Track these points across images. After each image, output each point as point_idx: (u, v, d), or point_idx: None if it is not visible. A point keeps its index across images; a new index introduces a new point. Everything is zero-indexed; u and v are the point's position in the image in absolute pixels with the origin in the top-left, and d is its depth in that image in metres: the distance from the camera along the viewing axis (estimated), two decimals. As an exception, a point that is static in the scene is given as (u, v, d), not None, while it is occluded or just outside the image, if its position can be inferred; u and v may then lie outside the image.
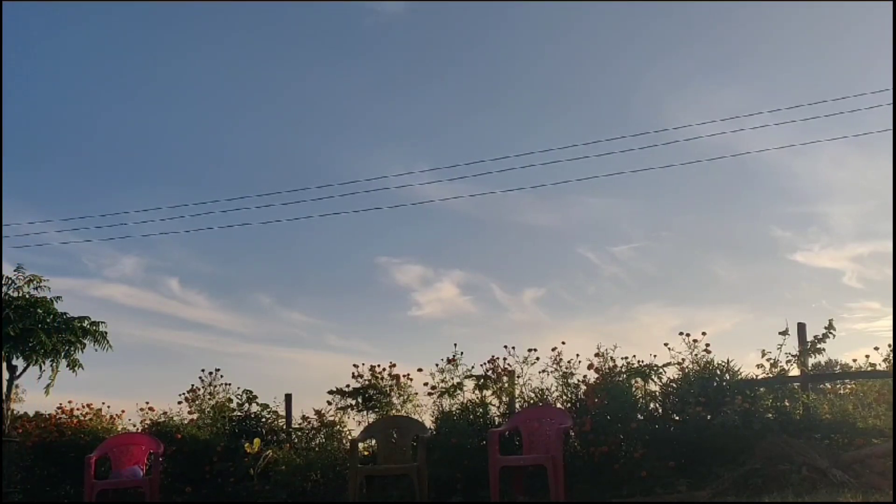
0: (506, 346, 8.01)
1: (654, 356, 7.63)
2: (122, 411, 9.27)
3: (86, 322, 16.39)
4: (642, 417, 7.41)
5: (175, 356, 22.13)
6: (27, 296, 16.18)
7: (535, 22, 17.42)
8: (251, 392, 8.91)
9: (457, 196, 14.36)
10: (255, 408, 8.83)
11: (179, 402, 8.82)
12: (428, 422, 7.93)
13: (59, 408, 9.24)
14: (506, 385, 8.00)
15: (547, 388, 7.86)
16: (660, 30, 18.18)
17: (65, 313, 16.35)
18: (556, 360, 7.82)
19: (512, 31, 18.67)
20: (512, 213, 22.47)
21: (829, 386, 7.91)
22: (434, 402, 8.12)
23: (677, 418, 7.39)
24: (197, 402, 8.83)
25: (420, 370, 8.26)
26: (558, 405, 7.69)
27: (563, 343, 7.86)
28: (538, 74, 20.14)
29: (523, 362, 7.94)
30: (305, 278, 24.04)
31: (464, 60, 20.32)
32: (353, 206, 14.20)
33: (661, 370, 7.59)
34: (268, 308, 23.55)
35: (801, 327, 7.57)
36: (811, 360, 7.59)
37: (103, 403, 9.32)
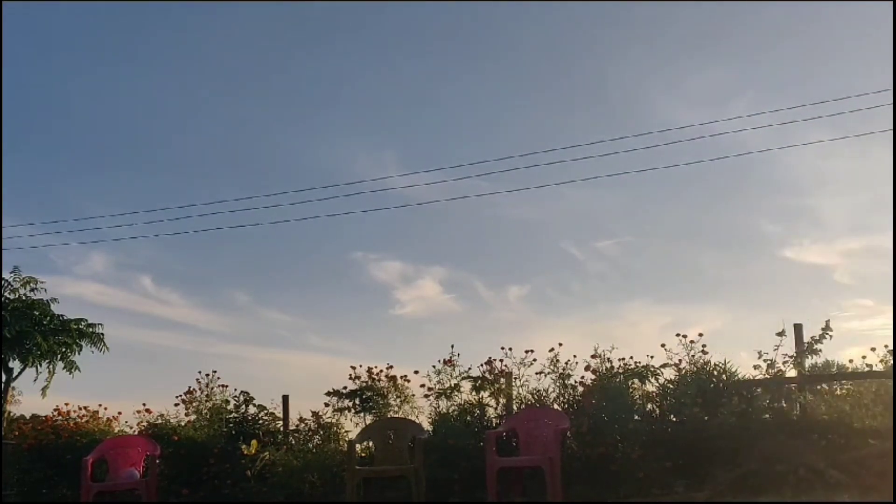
0: (503, 348, 8.03)
1: (651, 357, 7.66)
2: (119, 413, 9.26)
3: (82, 324, 16.38)
4: (639, 418, 7.41)
5: (157, 357, 21.94)
6: (24, 297, 16.16)
7: (519, 14, 17.35)
8: (248, 394, 8.91)
9: (435, 195, 14.20)
10: (252, 409, 8.83)
11: (176, 404, 8.81)
12: (425, 423, 7.93)
13: (55, 410, 9.23)
14: (503, 386, 8.00)
15: (544, 390, 7.88)
16: (657, 25, 18.13)
17: (61, 315, 16.33)
18: (553, 361, 7.83)
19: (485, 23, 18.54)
20: (489, 207, 22.27)
21: (825, 387, 7.91)
22: (431, 403, 8.13)
23: (674, 419, 7.40)
24: (194, 404, 8.81)
25: (416, 372, 8.28)
26: (555, 406, 7.69)
27: (561, 344, 7.89)
28: (523, 65, 20.01)
29: (520, 363, 7.95)
30: (279, 274, 23.71)
31: (447, 54, 20.18)
32: (360, 206, 14.06)
33: (657, 371, 7.60)
34: (245, 306, 23.31)
35: (798, 328, 7.58)
36: (808, 361, 7.59)
37: (100, 405, 9.31)
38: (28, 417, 12.17)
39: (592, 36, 19.52)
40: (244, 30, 18.81)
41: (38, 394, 15.96)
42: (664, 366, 7.61)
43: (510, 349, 7.99)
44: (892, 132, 10.14)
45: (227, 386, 8.92)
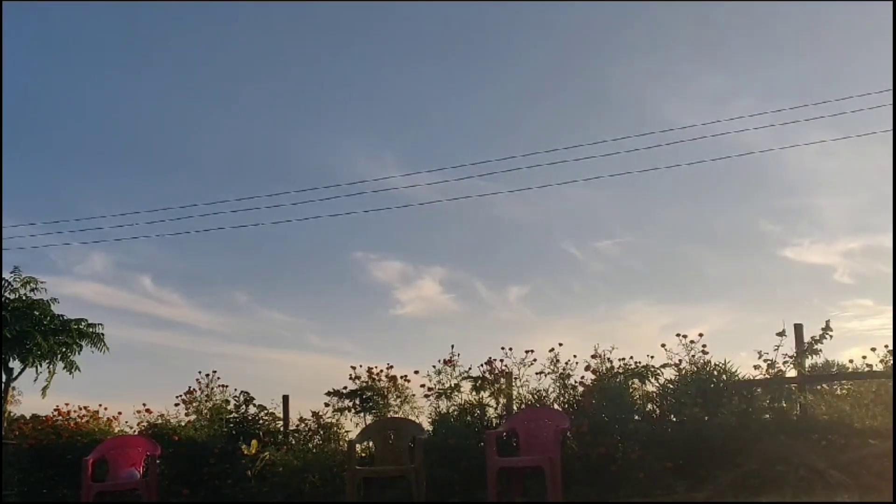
0: (503, 348, 8.04)
1: (651, 357, 7.66)
2: (119, 413, 9.26)
3: (82, 324, 16.38)
4: (640, 418, 7.41)
5: (157, 357, 21.94)
6: (24, 297, 16.15)
7: (519, 15, 17.38)
8: (248, 393, 8.92)
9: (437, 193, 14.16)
10: (252, 409, 8.83)
11: (176, 404, 8.82)
12: (425, 423, 7.93)
13: (55, 410, 9.23)
14: (503, 386, 8.00)
15: (544, 390, 7.88)
16: (660, 28, 18.15)
17: (61, 315, 16.33)
18: (553, 361, 7.83)
19: (493, 25, 18.55)
20: (490, 207, 22.33)
21: (825, 387, 7.91)
22: (431, 403, 8.14)
23: (675, 419, 7.39)
24: (194, 404, 8.82)
25: (416, 372, 8.28)
26: (556, 406, 7.69)
27: (561, 344, 7.90)
28: (523, 66, 20.04)
29: (520, 363, 7.95)
30: (280, 274, 23.73)
31: (447, 54, 20.17)
32: (362, 205, 14.06)
33: (658, 371, 7.60)
34: (245, 306, 23.32)
35: (798, 328, 7.57)
36: (808, 361, 7.59)
37: (100, 405, 9.31)
38: (28, 417, 12.16)
39: (595, 38, 19.55)
40: (246, 31, 18.84)
41: (38, 394, 15.97)
42: (664, 366, 7.62)
43: (510, 349, 8.01)
44: (892, 132, 10.15)
45: (227, 386, 8.94)
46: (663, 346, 7.62)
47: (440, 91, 20.73)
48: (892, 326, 7.85)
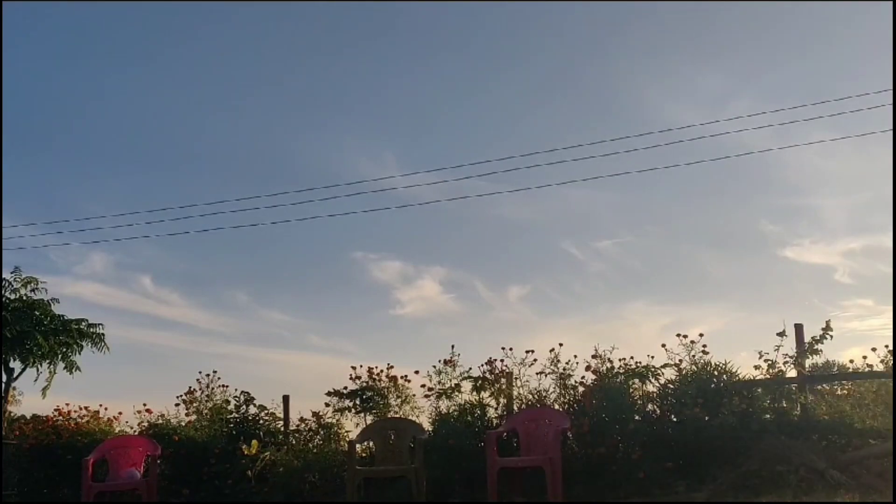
0: (503, 348, 8.04)
1: (652, 357, 7.66)
2: (120, 413, 9.28)
3: (83, 324, 16.35)
4: (640, 419, 7.41)
5: (157, 357, 21.92)
6: (24, 297, 16.13)
7: (520, 17, 17.39)
8: (249, 394, 8.92)
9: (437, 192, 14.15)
10: (252, 410, 8.83)
11: (177, 405, 8.83)
12: (426, 423, 7.93)
13: (56, 410, 9.24)
14: (503, 386, 8.00)
15: (545, 390, 7.88)
16: (660, 27, 18.15)
17: (62, 315, 16.30)
18: (553, 361, 7.83)
19: (496, 27, 18.56)
20: (489, 207, 22.34)
21: (826, 387, 7.91)
22: (431, 403, 8.13)
23: (675, 419, 7.39)
24: (195, 405, 8.82)
25: (417, 372, 8.28)
26: (556, 406, 7.69)
27: (561, 345, 7.90)
28: (523, 67, 20.04)
29: (520, 363, 7.95)
30: (280, 274, 23.69)
31: (448, 55, 20.17)
32: (361, 206, 14.03)
33: (658, 371, 7.60)
34: (245, 306, 23.28)
35: (799, 328, 7.57)
36: (808, 361, 7.59)
37: (101, 405, 9.32)
38: (28, 417, 12.17)
39: (595, 39, 19.54)
40: (247, 31, 18.84)
41: (38, 394, 15.92)
42: (665, 366, 7.61)
43: (511, 349, 8.01)
44: (892, 132, 10.14)
45: (227, 386, 8.96)
46: (664, 346, 7.63)
47: (440, 91, 20.73)
48: (892, 326, 7.85)
